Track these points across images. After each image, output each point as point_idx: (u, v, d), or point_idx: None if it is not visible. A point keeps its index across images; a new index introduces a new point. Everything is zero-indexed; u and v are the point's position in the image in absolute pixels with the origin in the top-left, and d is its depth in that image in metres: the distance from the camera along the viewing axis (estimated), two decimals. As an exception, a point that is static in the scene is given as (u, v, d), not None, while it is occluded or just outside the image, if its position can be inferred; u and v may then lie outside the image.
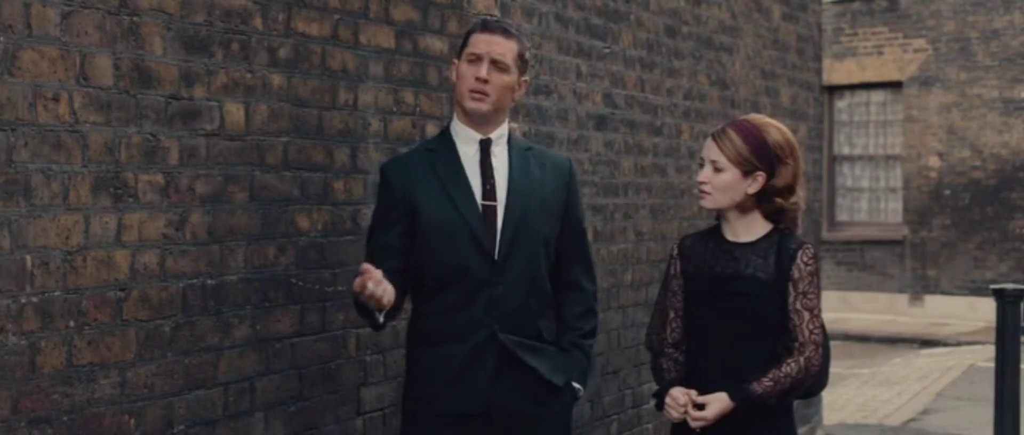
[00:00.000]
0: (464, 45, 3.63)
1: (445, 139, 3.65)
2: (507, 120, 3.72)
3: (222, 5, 3.60)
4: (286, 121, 3.85)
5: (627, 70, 6.03)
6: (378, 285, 3.33)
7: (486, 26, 3.65)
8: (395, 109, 4.35)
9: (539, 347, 3.63)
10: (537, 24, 5.26)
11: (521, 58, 3.62)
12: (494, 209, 3.59)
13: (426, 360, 3.61)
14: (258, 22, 3.74)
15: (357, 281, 3.36)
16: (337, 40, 4.07)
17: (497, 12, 4.93)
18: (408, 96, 4.41)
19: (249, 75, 3.71)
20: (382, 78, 4.28)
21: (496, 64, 3.57)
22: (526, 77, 3.69)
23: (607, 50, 5.84)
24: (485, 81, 3.55)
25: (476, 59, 3.57)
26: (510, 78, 3.60)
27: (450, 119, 3.72)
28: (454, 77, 3.65)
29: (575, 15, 5.55)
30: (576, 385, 3.71)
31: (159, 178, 3.40)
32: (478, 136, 3.62)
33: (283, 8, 3.83)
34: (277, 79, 3.82)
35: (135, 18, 3.31)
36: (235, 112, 3.66)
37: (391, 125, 4.33)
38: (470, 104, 3.59)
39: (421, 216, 3.56)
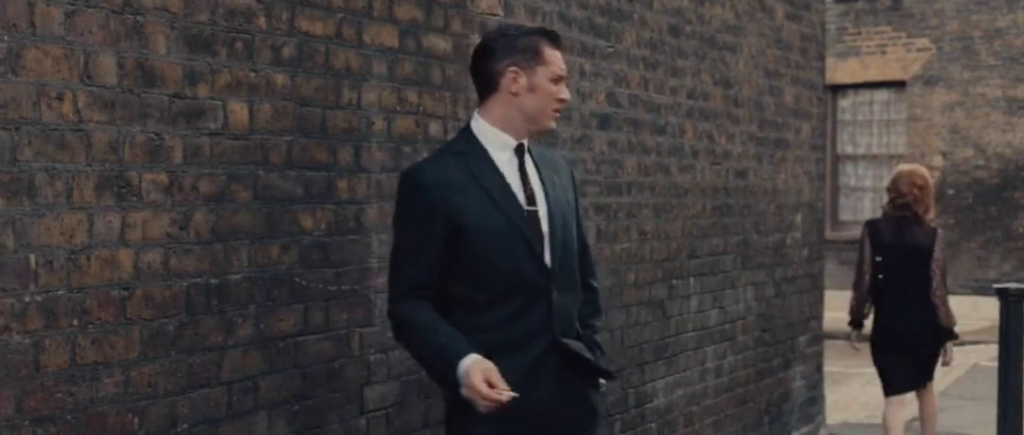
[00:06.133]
0: (533, 56, 3.51)
1: (471, 143, 3.52)
2: None
3: (226, 4, 3.61)
4: (290, 120, 3.85)
5: (630, 69, 6.02)
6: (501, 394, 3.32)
7: (557, 41, 3.57)
8: (398, 108, 4.35)
9: (586, 347, 3.60)
10: (540, 23, 5.25)
11: None
12: (536, 214, 3.50)
13: None
14: (262, 21, 3.74)
15: (485, 393, 3.30)
16: (341, 39, 4.07)
17: (500, 11, 4.93)
18: (412, 95, 4.41)
19: (253, 74, 3.71)
20: (385, 77, 4.28)
21: (563, 80, 3.57)
22: None
23: (610, 49, 5.84)
24: (565, 101, 3.54)
25: (559, 79, 3.52)
26: None
27: (462, 119, 3.63)
28: (518, 87, 3.50)
29: (578, 14, 5.55)
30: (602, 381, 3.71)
31: (163, 177, 3.40)
32: (513, 142, 3.53)
33: (287, 7, 3.83)
34: (281, 78, 3.82)
35: (139, 17, 3.31)
36: (239, 111, 3.66)
37: (394, 124, 4.33)
38: (551, 123, 3.58)
39: (468, 225, 3.40)
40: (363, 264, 4.17)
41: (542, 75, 3.50)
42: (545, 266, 3.48)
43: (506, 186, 3.48)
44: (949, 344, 7.25)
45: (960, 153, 17.01)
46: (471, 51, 3.67)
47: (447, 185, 3.42)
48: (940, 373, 12.13)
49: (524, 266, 3.44)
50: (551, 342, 3.48)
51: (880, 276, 7.19)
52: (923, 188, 7.16)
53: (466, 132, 3.58)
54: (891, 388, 7.40)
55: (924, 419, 7.60)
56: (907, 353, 7.26)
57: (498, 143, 3.51)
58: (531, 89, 3.49)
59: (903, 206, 7.14)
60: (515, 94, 3.50)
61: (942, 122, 17.14)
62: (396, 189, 3.58)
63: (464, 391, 3.33)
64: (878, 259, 7.16)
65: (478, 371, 3.31)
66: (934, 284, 7.04)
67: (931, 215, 7.19)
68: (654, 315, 6.26)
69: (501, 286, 3.43)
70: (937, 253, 7.04)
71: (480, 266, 3.42)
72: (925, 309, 7.09)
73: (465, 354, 3.34)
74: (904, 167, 7.40)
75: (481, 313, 3.44)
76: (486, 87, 3.55)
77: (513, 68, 3.49)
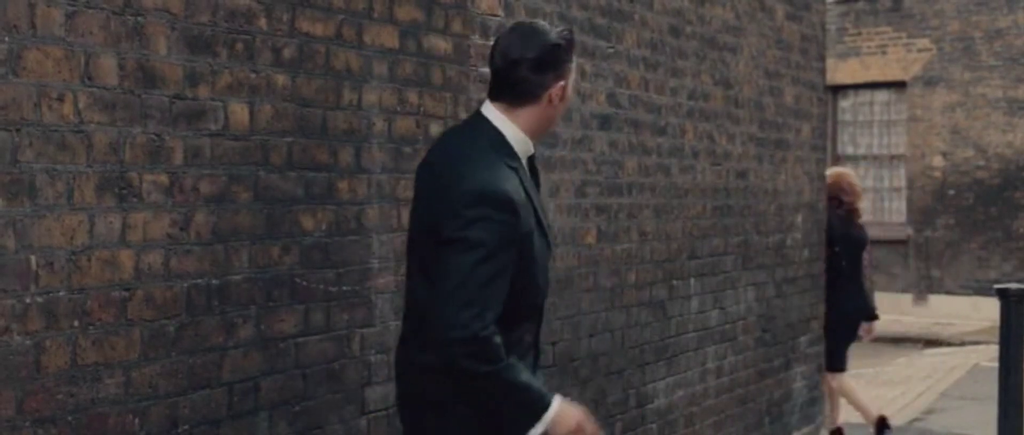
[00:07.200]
0: (568, 67, 3.36)
1: (510, 152, 3.31)
2: None
3: (226, 5, 3.61)
4: (290, 121, 3.85)
5: (631, 70, 6.03)
6: None
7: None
8: (399, 109, 4.36)
9: None
10: (541, 24, 5.25)
11: None
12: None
13: None
14: (262, 22, 3.74)
15: (592, 430, 3.30)
16: (341, 40, 4.07)
17: (501, 12, 4.93)
18: (412, 96, 4.42)
19: (253, 75, 3.71)
20: (386, 78, 4.28)
21: None
22: None
23: (611, 50, 5.84)
24: None
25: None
26: None
27: (488, 122, 3.32)
28: (557, 99, 3.34)
29: (579, 14, 5.55)
30: None
31: (163, 178, 3.40)
32: (532, 150, 3.42)
33: (287, 8, 3.83)
34: (281, 79, 3.82)
35: (139, 18, 3.32)
36: (239, 112, 3.66)
37: (395, 125, 4.33)
38: (555, 127, 3.52)
39: (529, 247, 3.24)
40: (364, 265, 4.18)
41: (569, 84, 3.40)
42: (546, 285, 3.43)
43: (542, 205, 3.38)
44: (874, 323, 8.66)
45: (960, 153, 17.01)
46: (487, 51, 3.45)
47: (523, 204, 3.22)
48: (941, 373, 12.23)
49: (544, 286, 3.39)
50: (536, 357, 3.45)
51: (832, 265, 8.44)
52: (857, 189, 8.63)
53: (498, 137, 3.31)
54: (841, 364, 8.56)
55: (850, 397, 8.59)
56: (850, 331, 8.57)
57: (524, 151, 3.37)
58: (562, 99, 3.38)
59: (849, 205, 8.53)
60: (554, 106, 3.36)
61: (942, 122, 17.14)
62: (471, 203, 3.12)
63: (549, 428, 3.24)
64: (835, 249, 8.44)
65: (575, 408, 3.30)
66: (869, 271, 8.72)
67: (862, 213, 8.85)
68: (655, 316, 6.26)
69: (530, 306, 3.34)
70: (868, 244, 8.72)
71: (528, 287, 3.29)
72: (862, 292, 8.57)
73: (551, 395, 3.27)
74: (840, 169, 8.89)
75: (510, 331, 3.25)
76: (524, 96, 3.30)
77: (561, 83, 3.34)
